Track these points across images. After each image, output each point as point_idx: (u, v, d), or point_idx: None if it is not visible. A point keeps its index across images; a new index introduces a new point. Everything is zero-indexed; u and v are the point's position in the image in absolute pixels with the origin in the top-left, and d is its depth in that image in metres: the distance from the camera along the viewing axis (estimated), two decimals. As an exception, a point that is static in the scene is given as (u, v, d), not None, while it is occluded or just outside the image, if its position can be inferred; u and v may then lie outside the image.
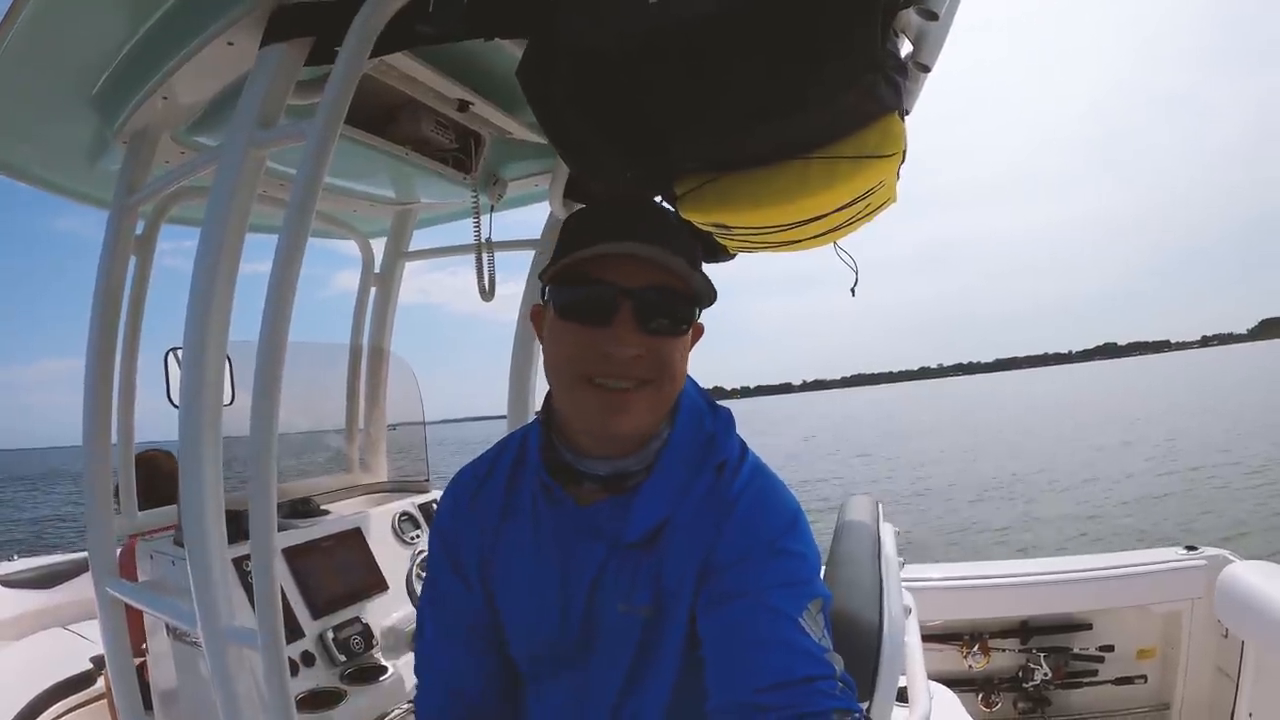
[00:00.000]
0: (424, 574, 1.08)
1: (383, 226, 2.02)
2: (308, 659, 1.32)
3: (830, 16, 0.71)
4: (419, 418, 2.14)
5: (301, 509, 1.66)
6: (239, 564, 1.18)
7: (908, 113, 0.89)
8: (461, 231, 1.68)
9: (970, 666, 2.40)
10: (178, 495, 0.96)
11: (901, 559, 1.26)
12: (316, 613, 1.39)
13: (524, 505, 0.78)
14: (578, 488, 0.76)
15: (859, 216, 0.95)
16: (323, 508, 1.72)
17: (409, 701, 1.34)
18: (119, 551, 1.40)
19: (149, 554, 1.39)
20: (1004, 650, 2.42)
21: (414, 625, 1.19)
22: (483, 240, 1.59)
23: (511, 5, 0.83)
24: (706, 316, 0.75)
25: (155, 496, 1.57)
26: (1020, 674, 2.41)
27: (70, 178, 1.54)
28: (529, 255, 1.75)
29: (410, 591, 1.48)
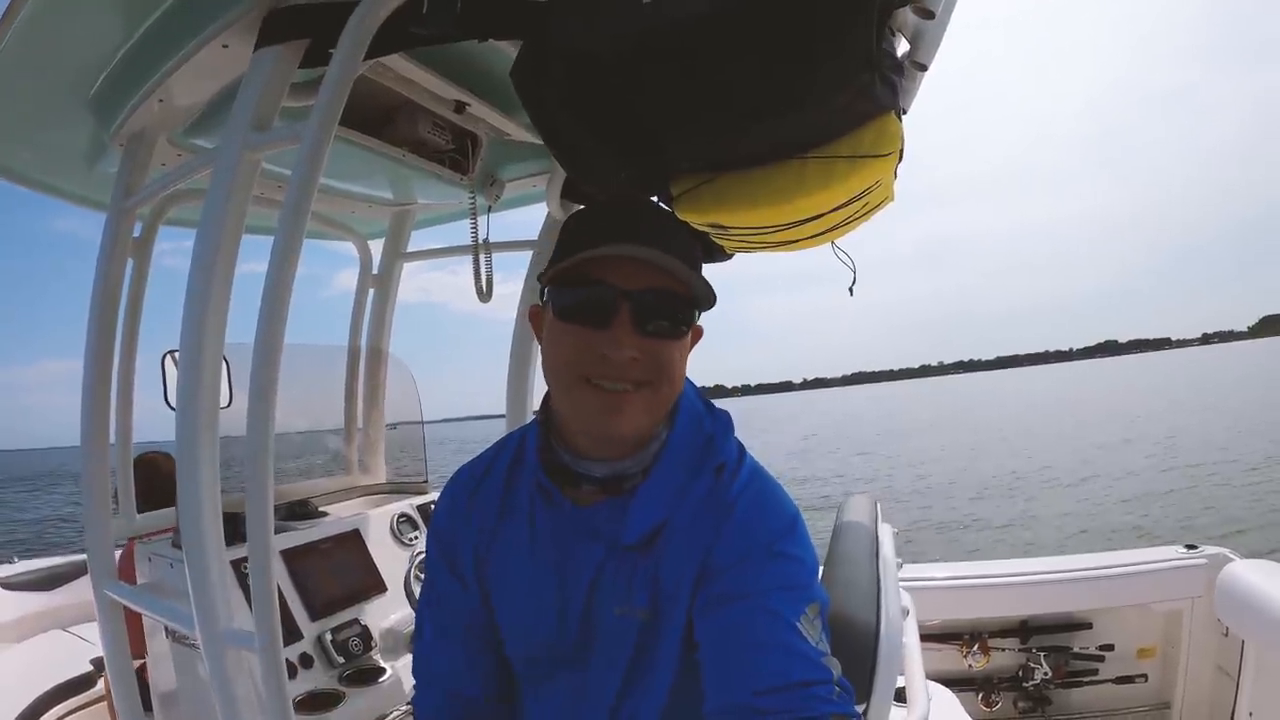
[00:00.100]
0: (422, 575, 1.08)
1: (381, 228, 2.02)
2: (306, 661, 1.32)
3: (824, 16, 0.71)
4: (417, 419, 2.14)
5: (300, 511, 1.66)
6: (237, 566, 1.18)
7: (905, 112, 0.89)
8: (460, 232, 1.69)
9: (970, 666, 2.39)
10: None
11: (900, 560, 1.26)
12: (315, 615, 1.39)
13: (521, 506, 0.78)
14: (575, 489, 0.76)
15: (856, 216, 0.95)
16: (321, 509, 1.72)
17: (408, 703, 1.34)
18: (119, 554, 1.40)
19: (148, 556, 1.39)
20: (1004, 650, 2.42)
21: (412, 627, 1.19)
22: (480, 241, 1.59)
23: (505, 7, 0.82)
24: (706, 315, 0.75)
25: (155, 498, 1.57)
26: (1020, 673, 2.41)
27: (68, 181, 1.54)
28: (529, 253, 1.75)
29: (408, 593, 1.48)
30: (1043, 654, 2.38)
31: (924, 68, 0.89)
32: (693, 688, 0.68)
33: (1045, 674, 2.36)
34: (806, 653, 0.63)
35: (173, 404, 0.99)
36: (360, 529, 1.60)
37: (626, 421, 0.69)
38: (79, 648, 2.31)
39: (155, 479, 1.67)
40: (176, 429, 0.95)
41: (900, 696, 1.13)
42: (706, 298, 0.72)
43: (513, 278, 1.77)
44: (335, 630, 1.39)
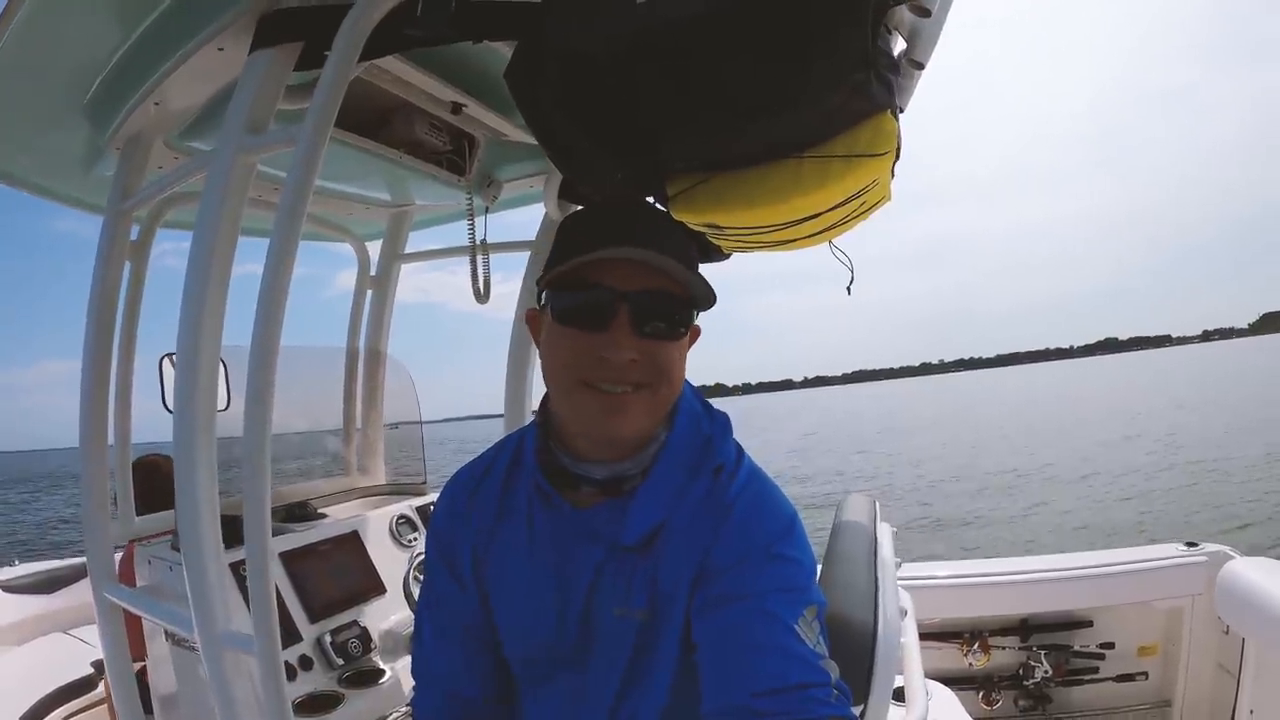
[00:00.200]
0: (421, 577, 1.08)
1: (378, 229, 2.02)
2: (305, 663, 1.32)
3: (817, 16, 0.70)
4: (416, 419, 2.14)
5: (299, 513, 1.66)
6: (237, 568, 1.18)
7: (902, 110, 0.89)
8: (459, 232, 1.69)
9: (970, 664, 2.39)
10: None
11: (898, 559, 1.26)
12: (314, 617, 1.39)
13: (519, 507, 0.78)
14: (574, 491, 0.75)
15: (853, 215, 0.95)
16: (320, 511, 1.72)
17: (407, 704, 1.34)
18: (119, 556, 1.40)
19: (147, 559, 1.39)
20: (1004, 648, 2.42)
21: (411, 628, 1.19)
22: (477, 243, 1.58)
23: (499, 8, 0.82)
24: (706, 313, 0.75)
25: (155, 501, 1.57)
26: (1021, 672, 2.40)
27: (65, 185, 1.54)
28: (527, 253, 1.75)
29: (408, 594, 1.48)
30: (1043, 652, 2.38)
31: (921, 66, 0.88)
32: (691, 689, 0.68)
33: (1046, 672, 2.36)
34: (804, 655, 0.63)
35: (170, 407, 0.99)
36: (359, 530, 1.60)
37: (627, 423, 0.69)
38: (80, 650, 2.31)
39: (155, 481, 1.66)
40: (174, 432, 0.95)
41: (899, 696, 1.13)
42: (705, 298, 0.72)
43: (512, 277, 1.77)
44: (334, 632, 1.39)
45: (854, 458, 21.61)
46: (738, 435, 0.79)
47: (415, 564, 1.52)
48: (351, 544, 1.57)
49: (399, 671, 1.39)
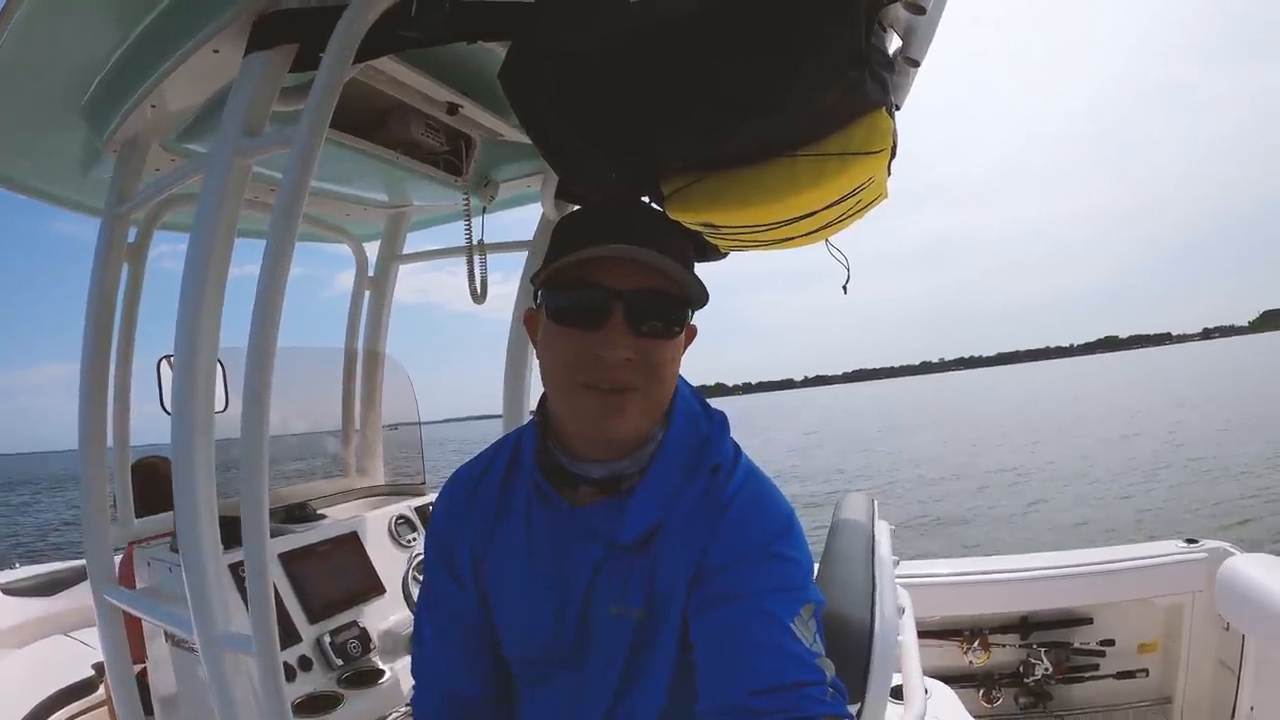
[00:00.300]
0: (420, 577, 1.08)
1: (376, 230, 2.02)
2: (305, 663, 1.32)
3: (808, 15, 0.70)
4: (414, 420, 2.15)
5: (298, 514, 1.66)
6: (236, 570, 1.18)
7: (898, 108, 0.89)
8: (457, 232, 1.69)
9: (971, 662, 2.39)
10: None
11: (896, 557, 1.26)
12: (313, 617, 1.39)
13: (517, 507, 0.78)
14: (572, 490, 0.76)
15: (850, 213, 0.95)
16: (319, 512, 1.72)
17: (406, 704, 1.34)
18: (119, 558, 1.41)
19: (147, 560, 1.39)
20: (1004, 646, 2.42)
21: (411, 628, 1.19)
22: (474, 243, 1.59)
23: (493, 8, 0.82)
24: (705, 312, 0.75)
25: (154, 503, 1.57)
26: (1021, 669, 2.40)
27: (62, 187, 1.54)
28: (525, 253, 1.75)
29: (407, 595, 1.48)
30: (1043, 649, 2.38)
31: (916, 63, 0.88)
32: (689, 688, 0.68)
33: (1046, 669, 2.36)
34: (801, 654, 0.63)
35: (169, 409, 0.99)
36: (358, 531, 1.61)
37: (625, 423, 0.69)
38: (80, 653, 2.31)
39: (154, 483, 1.66)
40: (172, 433, 0.95)
41: (898, 694, 1.13)
42: (699, 297, 0.72)
43: (510, 278, 1.77)
44: (334, 633, 1.39)
45: (854, 456, 21.60)
46: (738, 435, 0.79)
47: (414, 564, 1.52)
48: (351, 545, 1.57)
49: (398, 672, 1.39)
